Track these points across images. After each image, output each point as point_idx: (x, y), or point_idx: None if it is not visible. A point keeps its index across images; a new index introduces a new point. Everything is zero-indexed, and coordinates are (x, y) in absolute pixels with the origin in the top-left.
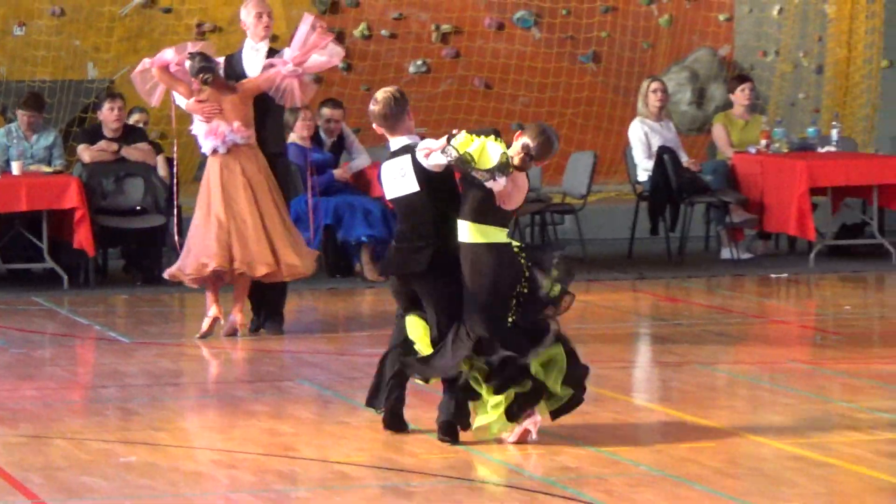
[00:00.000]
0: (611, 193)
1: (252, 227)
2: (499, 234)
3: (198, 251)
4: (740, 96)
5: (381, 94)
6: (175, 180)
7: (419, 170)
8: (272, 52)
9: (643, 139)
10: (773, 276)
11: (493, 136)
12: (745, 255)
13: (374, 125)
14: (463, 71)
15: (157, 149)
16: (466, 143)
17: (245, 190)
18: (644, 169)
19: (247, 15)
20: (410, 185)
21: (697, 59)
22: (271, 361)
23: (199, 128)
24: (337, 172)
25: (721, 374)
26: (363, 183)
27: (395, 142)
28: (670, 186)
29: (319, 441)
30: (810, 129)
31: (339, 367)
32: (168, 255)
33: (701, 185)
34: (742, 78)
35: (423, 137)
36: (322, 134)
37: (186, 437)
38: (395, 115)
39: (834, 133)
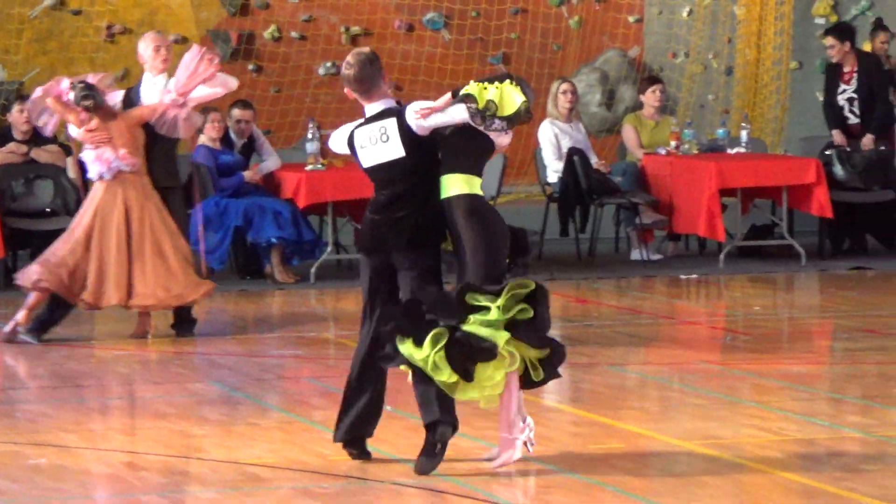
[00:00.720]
0: (521, 195)
1: (115, 257)
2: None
3: (50, 263)
4: (650, 98)
5: (353, 57)
6: (85, 182)
7: (406, 133)
8: None
9: (553, 140)
10: (682, 277)
11: (508, 81)
12: (655, 256)
13: (346, 90)
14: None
15: (67, 151)
16: (480, 91)
17: (119, 217)
18: (554, 170)
19: (145, 48)
20: (395, 151)
21: (607, 60)
22: (181, 363)
23: (87, 154)
24: (247, 174)
25: (631, 375)
26: (273, 185)
27: (372, 107)
28: (580, 188)
29: (229, 442)
30: (720, 131)
31: (249, 368)
32: None
33: (611, 187)
34: (652, 79)
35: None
36: (232, 135)
37: (96, 439)
38: (371, 77)
39: (743, 134)
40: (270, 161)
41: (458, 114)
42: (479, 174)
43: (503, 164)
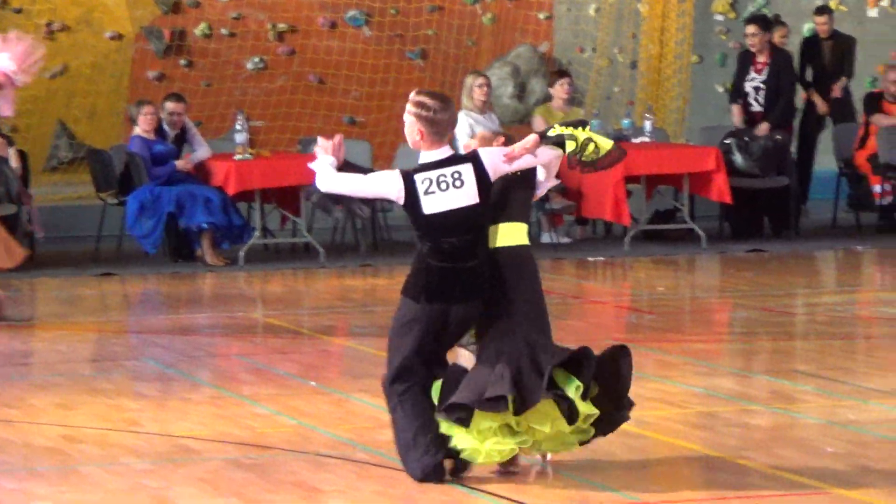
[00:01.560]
0: None
1: None
2: None
3: None
4: (559, 90)
5: (436, 101)
6: (26, 171)
7: (482, 180)
8: None
9: (468, 130)
10: (590, 259)
11: (580, 128)
12: (565, 240)
13: (415, 130)
14: (298, 67)
15: (9, 141)
16: (573, 133)
17: None
18: None
19: None
20: (470, 197)
21: (519, 55)
22: (118, 342)
23: None
24: (179, 163)
25: None
26: (204, 173)
27: (439, 152)
28: None
29: (163, 416)
30: (625, 121)
31: (181, 346)
32: (20, 242)
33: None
34: (561, 73)
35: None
36: (165, 127)
37: (37, 413)
38: (452, 122)
39: (647, 124)
40: (201, 151)
41: (548, 155)
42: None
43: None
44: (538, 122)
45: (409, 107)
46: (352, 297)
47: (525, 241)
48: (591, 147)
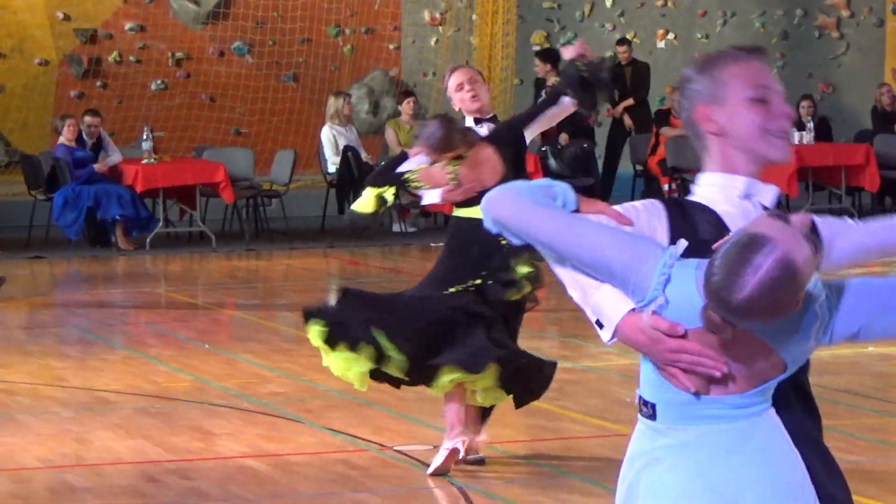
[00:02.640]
0: (307, 182)
1: None
2: None
3: None
4: (406, 107)
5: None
6: None
7: None
8: None
9: (332, 140)
10: (432, 245)
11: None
12: (411, 229)
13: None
14: (193, 88)
15: None
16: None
17: None
18: (332, 163)
19: None
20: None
21: (373, 78)
22: (46, 312)
23: None
24: (97, 166)
25: None
26: (117, 174)
27: None
28: (353, 176)
29: (84, 373)
30: None
31: (99, 316)
32: None
33: None
34: (407, 93)
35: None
36: (84, 136)
37: None
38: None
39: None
40: (114, 156)
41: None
42: None
43: (293, 158)
44: (389, 134)
45: None
46: (238, 275)
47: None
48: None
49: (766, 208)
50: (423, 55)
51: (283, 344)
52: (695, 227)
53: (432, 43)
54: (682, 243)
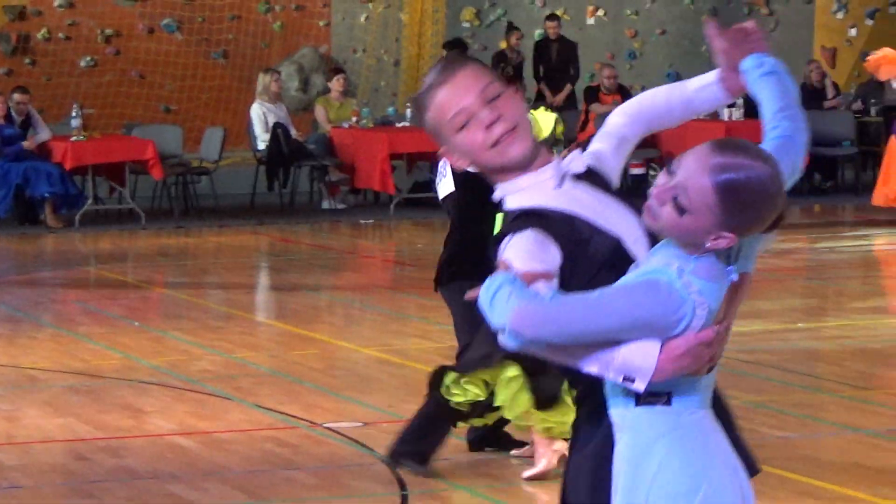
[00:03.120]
0: (237, 159)
1: None
2: None
3: None
4: (336, 84)
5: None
6: None
7: (455, 171)
8: None
9: (262, 117)
10: (362, 222)
11: (542, 108)
12: (341, 206)
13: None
14: (122, 65)
15: None
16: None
17: None
18: (262, 140)
19: None
20: (448, 186)
21: (303, 55)
22: None
23: None
24: (25, 144)
25: (323, 297)
26: (46, 151)
27: None
28: (283, 153)
29: (13, 351)
30: (389, 109)
31: (28, 293)
32: None
33: (306, 152)
34: (337, 70)
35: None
36: (13, 114)
37: None
38: None
39: (408, 112)
40: (43, 133)
41: None
42: None
43: (223, 135)
44: (319, 111)
45: None
46: (167, 253)
47: None
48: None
49: (585, 172)
50: (352, 32)
51: (213, 321)
52: (568, 230)
53: (362, 20)
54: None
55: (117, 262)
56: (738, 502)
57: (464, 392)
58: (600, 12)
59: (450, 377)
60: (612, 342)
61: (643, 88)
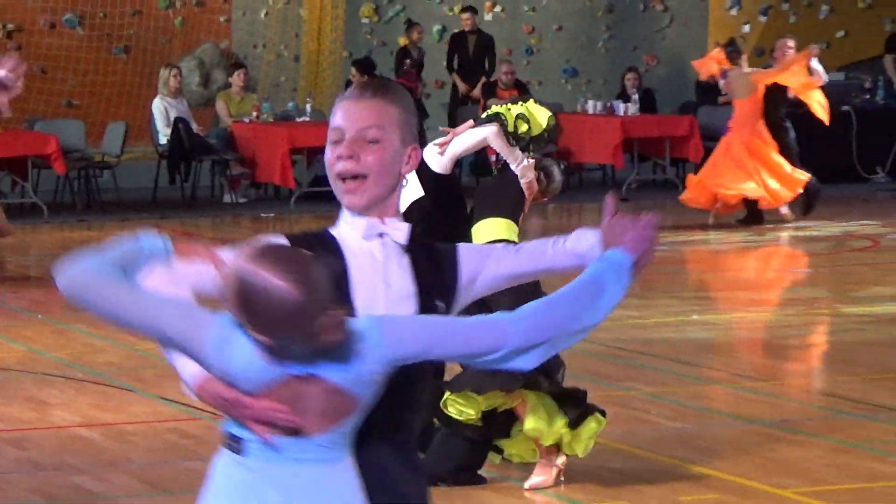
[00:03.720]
0: (139, 154)
1: None
2: None
3: None
4: (236, 79)
5: None
6: None
7: (426, 172)
8: None
9: (163, 112)
10: (262, 215)
11: (532, 101)
12: (242, 200)
13: None
14: (24, 60)
15: None
16: (506, 110)
17: None
18: (164, 135)
19: None
20: (416, 191)
21: (204, 50)
22: None
23: None
24: None
25: None
26: None
27: None
28: (185, 148)
29: None
30: (290, 104)
31: None
32: None
33: (208, 147)
34: (238, 65)
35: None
36: None
37: None
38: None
39: (308, 107)
40: None
41: (476, 136)
42: (517, 223)
43: (125, 130)
44: (220, 106)
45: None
46: (70, 246)
47: (501, 235)
48: (522, 126)
49: (410, 245)
50: (253, 27)
51: None
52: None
53: (262, 15)
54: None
55: (20, 255)
56: None
57: (459, 412)
58: (497, 8)
59: (446, 394)
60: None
61: (540, 84)
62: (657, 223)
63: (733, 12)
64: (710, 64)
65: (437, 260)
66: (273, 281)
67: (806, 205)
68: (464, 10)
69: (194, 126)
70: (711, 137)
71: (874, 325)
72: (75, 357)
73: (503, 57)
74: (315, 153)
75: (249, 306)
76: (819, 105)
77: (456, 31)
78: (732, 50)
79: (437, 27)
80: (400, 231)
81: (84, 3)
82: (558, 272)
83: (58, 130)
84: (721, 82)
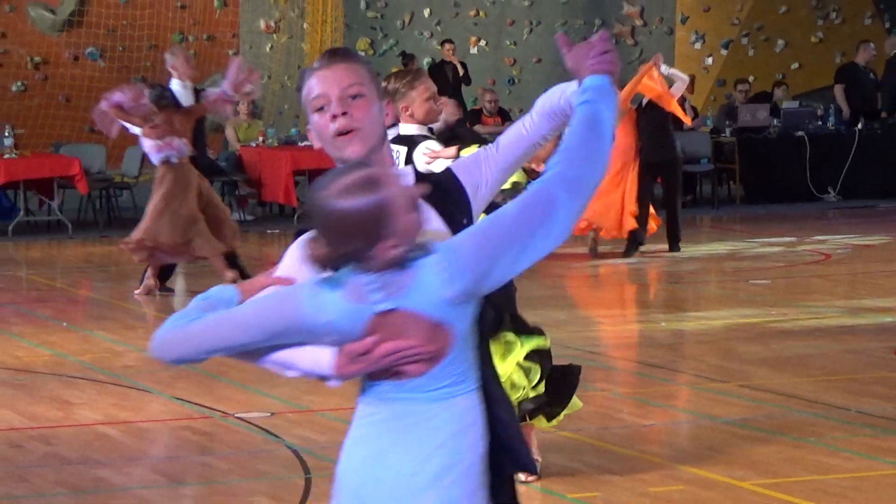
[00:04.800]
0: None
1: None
2: None
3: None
4: (243, 108)
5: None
6: None
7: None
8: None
9: None
10: (268, 231)
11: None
12: (249, 217)
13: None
14: (50, 90)
15: None
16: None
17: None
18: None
19: (172, 58)
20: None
21: (215, 81)
22: None
23: (148, 143)
24: None
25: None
26: None
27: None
28: (197, 169)
29: None
30: (293, 130)
31: None
32: None
33: (218, 169)
34: (245, 94)
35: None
36: None
37: None
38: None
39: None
40: None
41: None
42: None
43: (143, 154)
44: (229, 131)
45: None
46: (93, 260)
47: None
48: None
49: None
50: (259, 60)
51: (134, 321)
52: None
53: (267, 49)
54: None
55: (47, 268)
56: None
57: None
58: (482, 42)
59: None
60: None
61: (521, 111)
62: (608, 35)
63: (697, 46)
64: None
65: (443, 187)
66: (347, 187)
67: (626, 249)
68: (444, 41)
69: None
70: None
71: (826, 332)
72: (97, 361)
73: (487, 86)
74: (316, 174)
75: (331, 222)
76: (679, 109)
77: (437, 62)
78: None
79: (426, 59)
80: (406, 174)
81: (105, 38)
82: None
83: (81, 154)
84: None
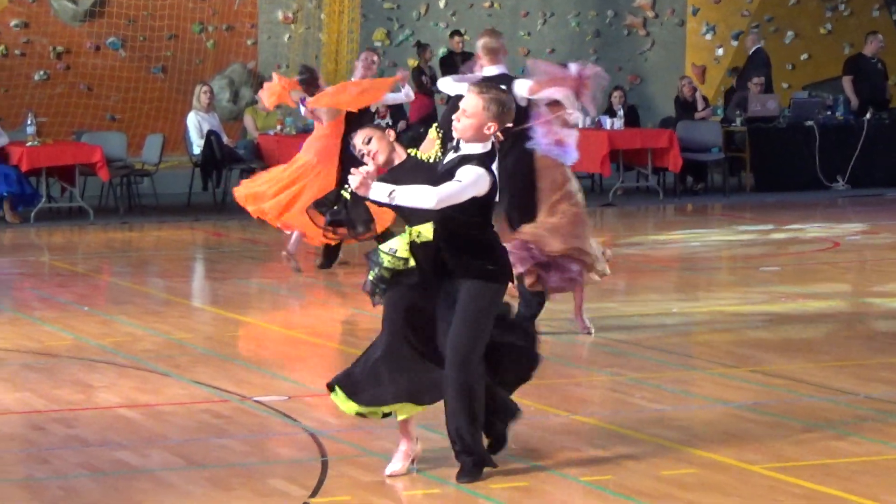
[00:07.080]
0: (175, 162)
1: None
2: None
3: None
4: (262, 96)
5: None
6: None
7: None
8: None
9: (197, 125)
10: None
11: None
12: None
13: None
14: (72, 79)
15: None
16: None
17: None
18: (197, 146)
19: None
20: None
21: (234, 70)
22: None
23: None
24: None
25: (253, 285)
26: (3, 155)
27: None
28: (216, 157)
29: None
30: (310, 120)
31: None
32: None
33: (236, 157)
34: (263, 84)
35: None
36: None
37: None
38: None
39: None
40: (1, 139)
41: None
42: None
43: (162, 142)
44: (248, 120)
45: (482, 102)
46: (113, 245)
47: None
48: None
49: None
50: (277, 50)
51: (154, 306)
52: None
53: (285, 39)
54: None
55: (68, 253)
56: None
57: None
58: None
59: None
60: None
61: None
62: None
63: (708, 37)
64: (270, 98)
65: None
66: None
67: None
68: (453, 33)
69: (225, 138)
70: (689, 149)
71: (835, 318)
72: (118, 345)
73: None
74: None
75: None
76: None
77: (444, 54)
78: (306, 78)
79: (441, 49)
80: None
81: (126, 28)
82: None
83: (102, 142)
84: (303, 110)
